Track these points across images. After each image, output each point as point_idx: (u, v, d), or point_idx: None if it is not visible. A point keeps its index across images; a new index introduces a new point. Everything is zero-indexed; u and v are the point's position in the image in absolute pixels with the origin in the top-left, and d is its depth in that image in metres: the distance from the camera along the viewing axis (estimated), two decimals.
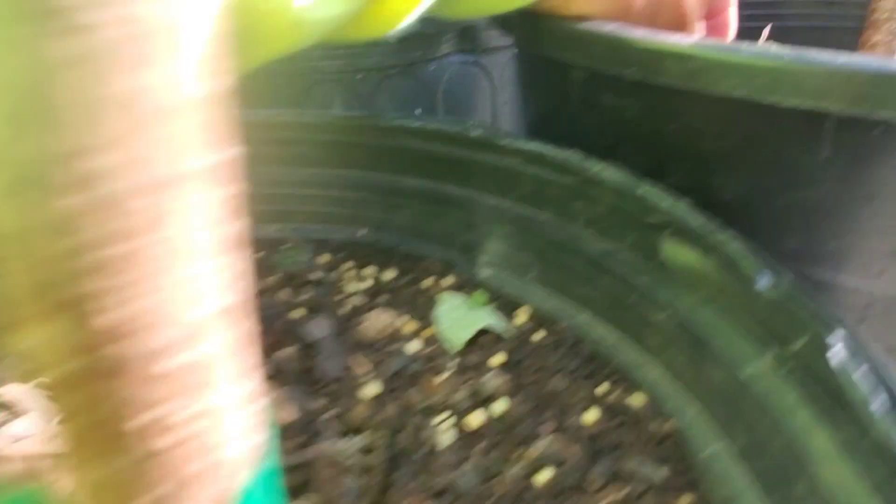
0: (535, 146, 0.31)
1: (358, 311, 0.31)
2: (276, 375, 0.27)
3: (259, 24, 0.18)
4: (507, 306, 0.33)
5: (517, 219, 0.34)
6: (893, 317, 0.25)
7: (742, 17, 0.61)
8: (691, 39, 0.24)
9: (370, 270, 0.35)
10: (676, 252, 0.26)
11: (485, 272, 0.35)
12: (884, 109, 0.20)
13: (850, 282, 0.25)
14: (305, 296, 0.33)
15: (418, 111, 0.54)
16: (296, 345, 0.29)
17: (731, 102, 0.23)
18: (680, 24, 0.31)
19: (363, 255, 0.37)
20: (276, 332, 0.29)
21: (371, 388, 0.27)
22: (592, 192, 0.29)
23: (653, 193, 0.26)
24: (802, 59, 0.21)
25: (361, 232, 0.39)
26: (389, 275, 0.35)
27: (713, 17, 0.37)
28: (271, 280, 0.34)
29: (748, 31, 0.60)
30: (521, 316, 0.32)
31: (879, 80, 0.20)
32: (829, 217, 0.25)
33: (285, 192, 0.39)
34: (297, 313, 0.31)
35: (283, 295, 0.32)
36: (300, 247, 0.37)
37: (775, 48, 0.22)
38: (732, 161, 0.26)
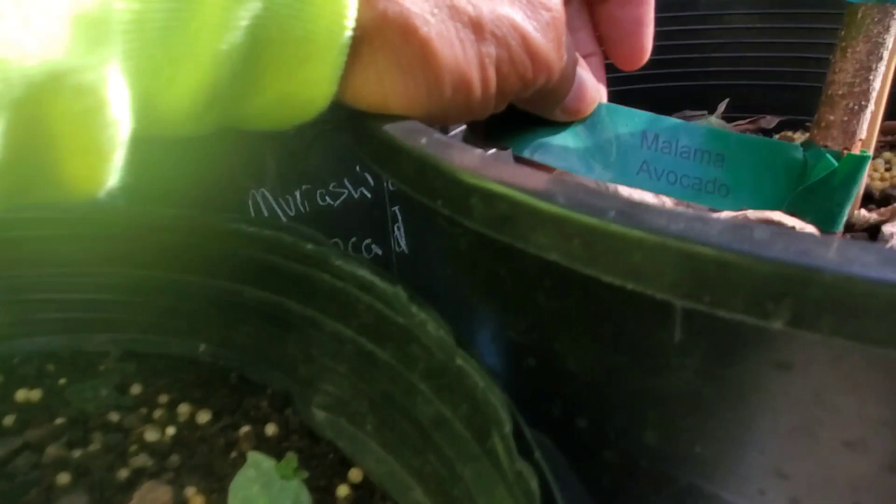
0: (365, 272, 0.25)
1: (138, 476, 0.25)
2: None
3: None
4: (337, 467, 0.26)
5: (357, 354, 0.27)
6: None
7: (709, 75, 0.54)
8: (501, 172, 0.17)
9: (185, 408, 0.29)
10: (503, 450, 0.19)
11: (320, 415, 0.28)
12: (728, 308, 0.14)
13: (725, 496, 0.18)
14: (84, 450, 0.26)
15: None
16: None
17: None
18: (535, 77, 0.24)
19: (188, 382, 0.30)
20: None
21: None
22: (425, 339, 0.23)
23: (471, 368, 0.20)
24: (628, 222, 0.15)
25: (201, 347, 0.33)
26: (205, 416, 0.28)
27: None
28: (54, 424, 0.27)
29: (714, 90, 0.53)
30: (349, 483, 0.25)
31: (727, 267, 0.13)
32: (692, 415, 0.18)
33: (114, 298, 0.33)
34: (62, 479, 0.25)
35: (55, 450, 0.26)
36: (113, 371, 0.31)
37: (603, 199, 0.16)
38: (572, 325, 0.19)
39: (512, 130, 0.29)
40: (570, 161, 0.30)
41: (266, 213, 0.48)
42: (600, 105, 0.30)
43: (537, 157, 0.29)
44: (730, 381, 0.17)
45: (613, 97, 0.32)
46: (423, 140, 0.20)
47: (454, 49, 0.21)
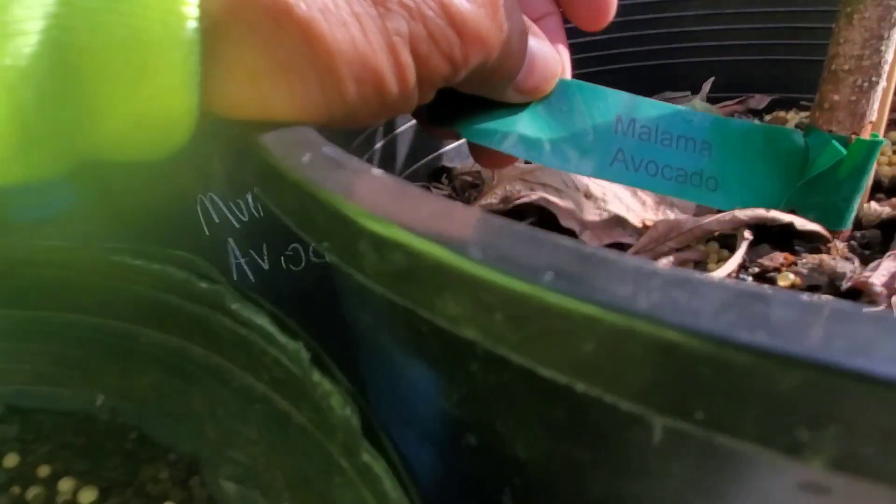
0: (264, 321, 0.20)
1: None
2: None
3: None
4: None
5: (271, 415, 0.22)
6: None
7: (691, 51, 0.49)
8: (396, 206, 0.12)
9: (67, 485, 0.24)
10: None
11: (229, 488, 0.23)
12: (733, 432, 0.09)
13: None
14: None
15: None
16: None
17: None
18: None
19: (76, 447, 0.25)
20: None
21: None
22: (332, 415, 0.18)
23: (381, 470, 0.14)
24: (573, 289, 0.09)
25: (99, 400, 0.27)
26: (89, 495, 0.23)
27: None
28: None
29: (697, 67, 0.48)
30: None
31: (731, 369, 0.08)
32: None
33: None
34: None
35: None
36: None
37: (541, 249, 0.10)
38: (515, 405, 0.14)
39: (460, 107, 0.24)
40: (540, 151, 0.25)
41: (217, 220, 0.43)
42: (569, 82, 0.25)
43: (503, 147, 0.24)
44: (736, 500, 0.12)
45: (582, 79, 0.27)
46: (306, 158, 0.14)
47: (349, 30, 0.16)
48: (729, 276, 0.25)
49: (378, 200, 0.12)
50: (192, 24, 0.15)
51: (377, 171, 0.14)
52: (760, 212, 0.28)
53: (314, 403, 0.20)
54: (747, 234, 0.27)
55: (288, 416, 0.21)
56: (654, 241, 0.27)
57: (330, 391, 0.17)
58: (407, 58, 0.17)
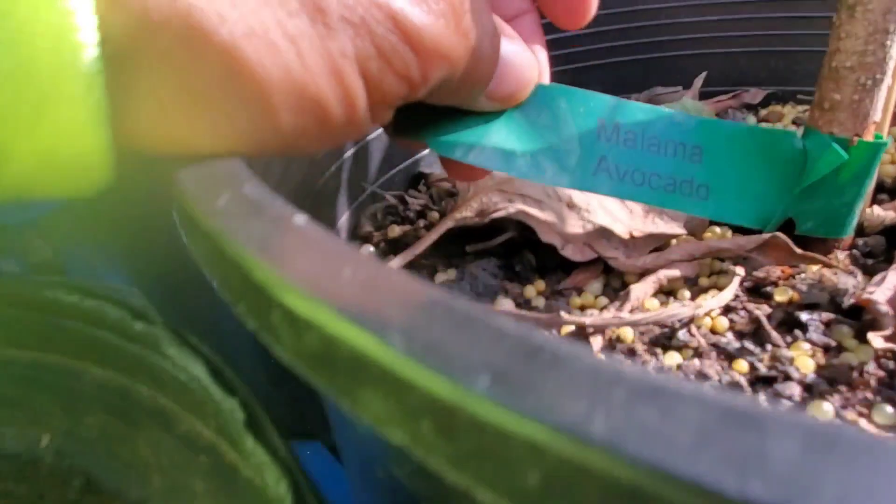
0: (200, 371, 0.18)
1: None
2: None
3: None
4: None
5: (216, 468, 0.20)
6: None
7: (681, 44, 0.47)
8: (316, 270, 0.10)
9: None
10: None
11: None
12: None
13: None
14: None
15: None
16: None
17: None
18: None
19: (19, 495, 0.23)
20: None
21: None
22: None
23: None
24: (513, 401, 0.07)
25: (44, 441, 0.25)
26: None
27: None
28: None
29: (688, 61, 0.45)
30: None
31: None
32: None
33: None
34: None
35: None
36: None
37: (479, 340, 0.08)
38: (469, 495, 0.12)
39: (428, 114, 0.22)
40: (513, 163, 0.23)
41: None
42: (548, 86, 0.23)
43: (470, 160, 0.22)
44: None
45: (566, 78, 0.25)
46: (222, 200, 0.12)
47: (282, 55, 0.14)
48: (721, 309, 0.23)
49: (294, 262, 0.10)
50: (90, 52, 0.12)
51: (299, 220, 0.11)
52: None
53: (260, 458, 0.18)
54: (739, 270, 0.25)
55: (235, 469, 0.19)
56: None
57: (264, 463, 0.15)
58: (354, 81, 0.15)
